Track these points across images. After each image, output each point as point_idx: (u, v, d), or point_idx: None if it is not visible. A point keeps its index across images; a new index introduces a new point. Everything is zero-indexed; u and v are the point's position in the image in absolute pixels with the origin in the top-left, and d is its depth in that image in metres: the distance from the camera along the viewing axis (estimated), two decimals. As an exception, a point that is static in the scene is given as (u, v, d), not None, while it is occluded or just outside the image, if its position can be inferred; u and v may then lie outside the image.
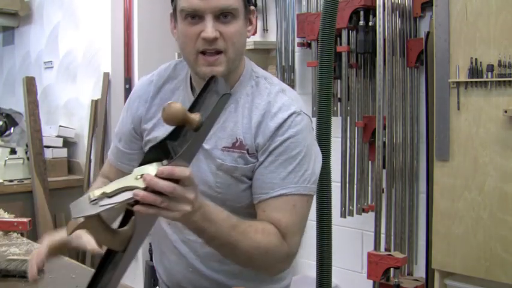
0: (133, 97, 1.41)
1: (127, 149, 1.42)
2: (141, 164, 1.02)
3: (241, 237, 1.15)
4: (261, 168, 1.26)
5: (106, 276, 1.09)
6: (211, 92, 1.07)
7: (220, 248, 1.18)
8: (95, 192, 0.98)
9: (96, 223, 1.00)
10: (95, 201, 0.97)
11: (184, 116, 0.98)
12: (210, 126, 1.04)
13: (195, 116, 0.99)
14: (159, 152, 1.04)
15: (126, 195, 0.97)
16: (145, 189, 0.97)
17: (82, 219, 0.97)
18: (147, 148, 1.34)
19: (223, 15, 1.19)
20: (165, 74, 1.39)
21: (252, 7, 1.27)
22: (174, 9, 1.24)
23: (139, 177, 0.98)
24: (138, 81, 1.46)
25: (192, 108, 1.05)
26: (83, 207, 0.98)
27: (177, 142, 1.04)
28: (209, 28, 1.17)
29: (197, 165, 1.27)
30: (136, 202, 0.97)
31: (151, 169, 0.99)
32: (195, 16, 1.19)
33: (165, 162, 1.01)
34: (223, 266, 1.34)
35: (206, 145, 1.27)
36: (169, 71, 1.39)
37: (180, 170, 0.97)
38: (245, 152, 1.26)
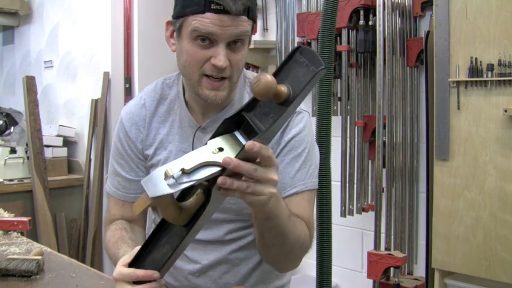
0: (128, 124, 1.36)
1: (134, 176, 1.37)
2: (213, 136, 0.97)
3: (292, 227, 1.15)
4: None
5: (160, 251, 1.04)
6: (297, 63, 0.97)
7: (274, 238, 1.15)
8: (171, 168, 0.91)
9: (168, 201, 0.94)
10: (171, 179, 0.91)
11: (276, 88, 0.92)
12: (300, 101, 0.96)
13: (284, 89, 0.93)
14: (230, 123, 0.98)
15: (207, 172, 0.91)
16: (224, 169, 0.92)
17: (151, 198, 0.90)
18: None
19: (233, 42, 1.17)
20: (156, 95, 1.36)
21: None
22: (180, 25, 1.19)
23: (216, 151, 0.93)
24: (125, 108, 1.40)
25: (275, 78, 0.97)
26: (158, 184, 0.91)
27: (252, 113, 0.98)
28: (222, 57, 1.15)
29: None
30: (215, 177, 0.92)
31: (226, 144, 0.93)
32: (206, 39, 1.15)
33: (238, 133, 0.97)
34: (233, 268, 1.35)
35: None
36: (159, 91, 1.36)
37: (265, 149, 0.93)
38: None
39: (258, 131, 0.95)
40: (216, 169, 0.93)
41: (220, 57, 1.15)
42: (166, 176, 0.91)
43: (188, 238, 1.02)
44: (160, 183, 0.91)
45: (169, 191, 0.90)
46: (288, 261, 1.27)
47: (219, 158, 0.92)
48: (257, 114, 0.98)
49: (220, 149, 0.94)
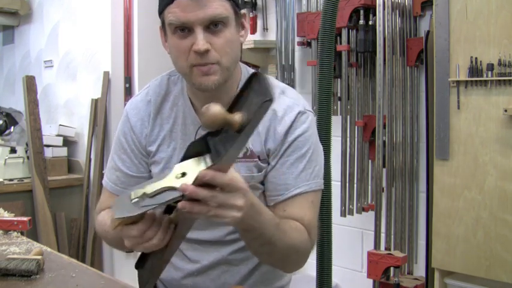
0: (134, 119, 1.35)
1: (135, 172, 1.36)
2: (182, 159, 0.98)
3: (281, 236, 1.15)
4: (273, 171, 1.27)
5: (155, 256, 1.08)
6: (253, 91, 0.99)
7: (259, 247, 1.16)
8: (136, 191, 0.96)
9: (138, 220, 0.98)
10: (136, 201, 0.95)
11: (225, 119, 0.93)
12: (252, 130, 0.96)
13: (237, 118, 0.93)
14: (200, 146, 0.99)
15: (168, 196, 0.94)
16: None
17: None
18: (155, 170, 1.34)
19: (213, 25, 1.15)
20: (161, 91, 1.35)
21: (243, 11, 1.25)
22: (163, 23, 1.21)
23: (179, 175, 0.94)
24: (131, 103, 1.40)
25: (233, 106, 0.99)
26: (124, 206, 0.96)
27: (218, 137, 0.99)
28: (200, 41, 1.13)
29: None
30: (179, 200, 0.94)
31: (191, 169, 0.95)
32: (184, 29, 1.15)
33: (207, 157, 0.97)
34: (232, 268, 1.35)
35: None
36: (164, 87, 1.35)
37: (220, 177, 0.93)
38: (257, 159, 1.27)
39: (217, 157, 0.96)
40: (178, 193, 0.94)
41: (198, 41, 1.14)
42: (130, 198, 0.95)
43: (166, 257, 1.05)
44: (125, 204, 0.96)
45: (131, 212, 0.94)
46: (286, 265, 1.28)
47: (180, 183, 0.94)
48: (222, 139, 0.98)
49: (184, 174, 0.95)
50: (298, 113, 1.28)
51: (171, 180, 0.95)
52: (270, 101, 0.93)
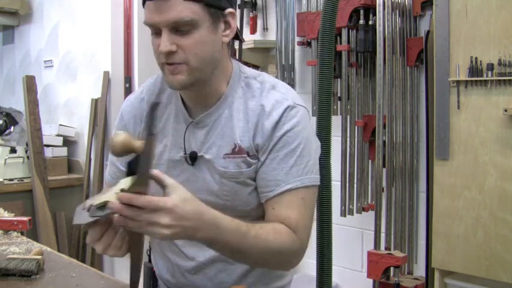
0: (128, 117, 1.38)
1: None
2: (126, 175, 1.04)
3: (253, 242, 1.16)
4: (264, 167, 1.26)
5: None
6: (153, 121, 1.09)
7: (231, 255, 1.19)
8: (88, 201, 1.02)
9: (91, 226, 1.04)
10: (89, 210, 1.01)
11: (127, 146, 1.00)
12: (147, 159, 1.02)
13: (137, 145, 1.01)
14: (133, 165, 1.04)
15: (107, 209, 1.00)
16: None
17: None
18: None
19: (180, 27, 1.16)
20: (155, 89, 1.37)
21: (229, 10, 1.22)
22: None
23: (118, 191, 0.99)
24: (126, 101, 1.43)
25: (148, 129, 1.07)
26: (80, 212, 1.02)
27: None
28: (163, 42, 1.16)
29: (202, 176, 1.28)
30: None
31: (127, 186, 1.01)
32: (155, 29, 1.18)
33: (134, 178, 1.03)
34: (229, 266, 1.35)
35: (207, 155, 1.28)
36: (158, 86, 1.37)
37: (136, 199, 0.98)
38: (245, 155, 1.27)
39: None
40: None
41: (161, 42, 1.16)
42: (84, 208, 1.02)
43: (133, 257, 1.09)
44: (81, 212, 1.03)
45: (81, 222, 1.02)
46: (272, 267, 1.30)
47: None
48: (141, 162, 1.02)
49: (122, 190, 1.00)
50: (287, 107, 1.26)
51: (112, 195, 1.00)
52: (151, 136, 1.02)
